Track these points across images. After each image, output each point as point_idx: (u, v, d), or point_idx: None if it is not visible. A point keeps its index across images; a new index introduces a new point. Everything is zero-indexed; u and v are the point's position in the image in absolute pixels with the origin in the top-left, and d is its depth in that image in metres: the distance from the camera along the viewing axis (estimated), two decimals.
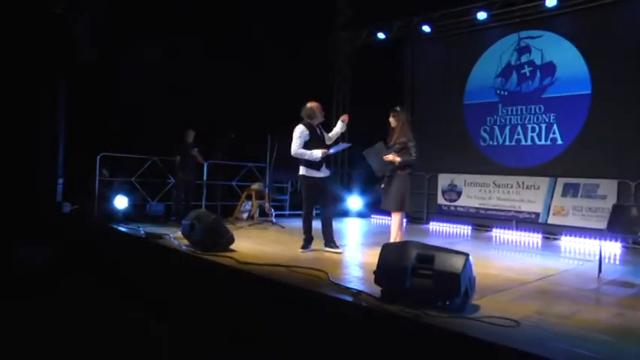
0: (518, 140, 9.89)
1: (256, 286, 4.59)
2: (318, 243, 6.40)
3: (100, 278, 7.09)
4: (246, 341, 4.30)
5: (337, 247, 6.32)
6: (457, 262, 3.58)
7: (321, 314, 3.98)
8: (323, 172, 6.24)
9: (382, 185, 6.20)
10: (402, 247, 3.80)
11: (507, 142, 10.06)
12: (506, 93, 10.15)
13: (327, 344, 3.73)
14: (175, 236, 6.86)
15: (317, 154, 6.09)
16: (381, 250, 3.91)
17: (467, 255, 3.67)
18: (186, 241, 6.41)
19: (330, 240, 6.32)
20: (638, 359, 3.00)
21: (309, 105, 6.26)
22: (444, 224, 10.51)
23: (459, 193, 10.54)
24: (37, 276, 7.04)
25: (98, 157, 9.12)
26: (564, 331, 3.38)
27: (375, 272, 3.84)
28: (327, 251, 6.23)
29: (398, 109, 6.27)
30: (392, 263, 3.72)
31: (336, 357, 3.67)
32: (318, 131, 6.26)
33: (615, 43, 8.65)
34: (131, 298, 6.03)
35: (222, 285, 5.04)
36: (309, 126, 6.23)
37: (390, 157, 5.97)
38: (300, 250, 6.31)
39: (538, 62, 9.68)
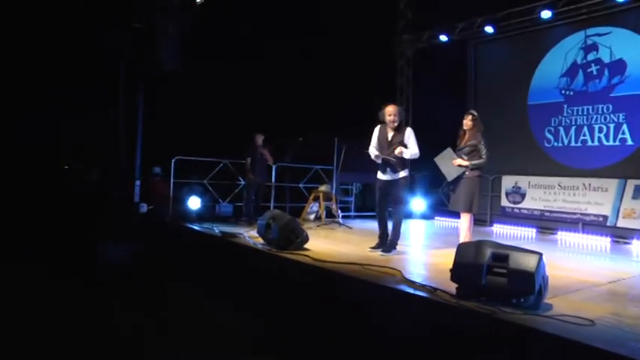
0: (584, 141, 9.72)
1: (333, 283, 4.81)
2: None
3: (179, 276, 7.47)
4: (329, 335, 4.51)
5: (388, 251, 6.27)
6: (531, 261, 3.67)
7: (397, 310, 4.15)
8: (384, 175, 6.33)
9: (451, 187, 6.28)
10: (477, 246, 3.92)
11: (573, 143, 9.89)
12: (571, 93, 9.99)
13: (407, 339, 3.90)
14: (249, 235, 7.18)
15: (373, 155, 6.35)
16: (457, 249, 4.06)
17: (540, 254, 3.75)
18: (260, 240, 6.70)
19: (388, 243, 6.34)
20: None
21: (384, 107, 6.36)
22: (508, 226, 10.41)
23: (523, 195, 10.44)
24: (119, 272, 7.53)
25: (173, 160, 9.61)
26: None
27: (450, 270, 3.99)
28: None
29: (474, 112, 6.33)
30: (468, 261, 3.85)
31: (416, 351, 3.83)
32: (390, 134, 6.30)
33: None
34: (216, 295, 6.34)
35: (300, 281, 5.28)
36: (380, 127, 6.41)
37: (459, 161, 6.07)
38: (369, 248, 6.44)
39: (606, 60, 9.47)
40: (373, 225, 6.69)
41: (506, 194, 10.75)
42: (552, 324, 3.40)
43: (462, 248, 4.01)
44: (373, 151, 6.36)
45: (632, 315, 3.84)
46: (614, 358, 2.88)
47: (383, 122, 6.36)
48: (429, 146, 6.53)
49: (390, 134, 6.29)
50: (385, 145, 6.28)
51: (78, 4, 9.80)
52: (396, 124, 6.24)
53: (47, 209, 9.70)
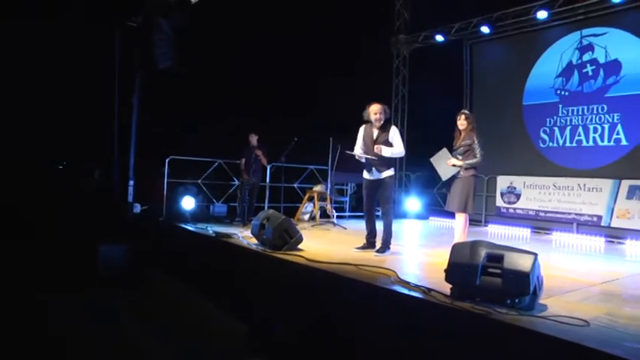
0: (580, 141, 9.72)
1: (328, 284, 4.77)
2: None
3: (174, 276, 7.45)
4: (323, 336, 4.48)
5: (382, 252, 6.18)
6: (526, 262, 3.65)
7: (391, 311, 4.13)
8: (370, 175, 6.30)
9: (446, 187, 6.27)
10: (471, 246, 3.90)
11: (568, 144, 9.90)
12: (567, 93, 9.99)
13: (402, 340, 3.87)
14: (244, 235, 7.14)
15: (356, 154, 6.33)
16: (452, 249, 4.03)
17: (535, 254, 3.73)
18: (254, 240, 6.66)
19: (381, 244, 6.30)
20: None
21: (368, 106, 6.33)
22: (503, 227, 10.43)
23: (518, 196, 10.45)
24: (116, 272, 7.52)
25: (167, 160, 9.56)
26: (638, 332, 3.36)
27: (445, 270, 3.96)
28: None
29: (467, 111, 6.31)
30: (462, 262, 3.82)
31: (408, 352, 3.81)
32: (375, 133, 6.27)
33: None
34: (208, 297, 6.31)
35: (294, 282, 5.25)
36: (365, 126, 6.39)
37: (454, 161, 6.04)
38: (354, 248, 6.40)
39: (601, 60, 9.48)
40: None
41: (502, 194, 10.75)
42: (547, 324, 3.39)
43: (456, 248, 3.98)
44: (358, 150, 6.34)
45: (626, 315, 3.82)
46: (608, 359, 2.86)
47: (368, 121, 6.33)
48: (425, 146, 6.53)
49: (375, 133, 6.27)
50: (370, 145, 6.26)
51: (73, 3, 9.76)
52: (381, 123, 6.22)
53: (50, 210, 9.66)
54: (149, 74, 9.05)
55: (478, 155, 6.04)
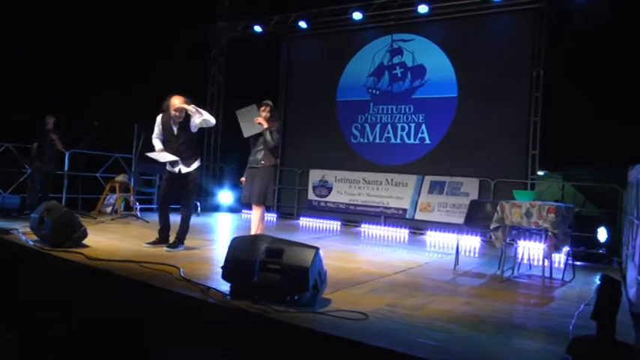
0: (388, 138, 10.22)
1: (106, 283, 4.28)
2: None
3: None
4: (98, 342, 4.00)
5: (175, 247, 5.81)
6: (306, 256, 3.52)
7: (169, 311, 3.77)
8: (173, 168, 5.90)
9: (243, 179, 6.15)
10: (251, 240, 3.69)
11: (378, 140, 10.35)
12: (377, 92, 10.44)
13: (176, 342, 3.54)
14: (24, 231, 6.24)
15: (156, 149, 5.86)
16: (230, 244, 3.78)
17: (317, 248, 3.62)
18: (35, 237, 5.85)
19: (175, 238, 5.91)
20: (477, 343, 3.10)
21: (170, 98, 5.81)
22: (314, 220, 10.63)
23: (330, 189, 10.70)
24: None
25: None
26: (414, 322, 3.41)
27: (222, 267, 3.70)
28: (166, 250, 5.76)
29: (271, 102, 6.25)
30: (240, 258, 3.59)
31: (187, 355, 3.50)
32: (175, 127, 5.84)
33: (479, 51, 9.29)
34: None
35: (71, 283, 4.65)
36: (162, 116, 5.90)
37: (261, 119, 5.98)
38: (145, 244, 5.94)
39: (409, 64, 10.06)
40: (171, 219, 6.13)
41: (314, 188, 10.93)
42: (325, 321, 3.29)
43: (235, 243, 3.73)
44: (158, 144, 5.87)
45: (407, 305, 3.90)
46: (378, 352, 2.82)
47: (166, 112, 5.83)
48: (240, 138, 6.27)
49: (175, 129, 5.85)
50: (173, 139, 5.84)
51: None
52: (180, 120, 5.79)
53: None
54: None
55: (274, 138, 6.03)
